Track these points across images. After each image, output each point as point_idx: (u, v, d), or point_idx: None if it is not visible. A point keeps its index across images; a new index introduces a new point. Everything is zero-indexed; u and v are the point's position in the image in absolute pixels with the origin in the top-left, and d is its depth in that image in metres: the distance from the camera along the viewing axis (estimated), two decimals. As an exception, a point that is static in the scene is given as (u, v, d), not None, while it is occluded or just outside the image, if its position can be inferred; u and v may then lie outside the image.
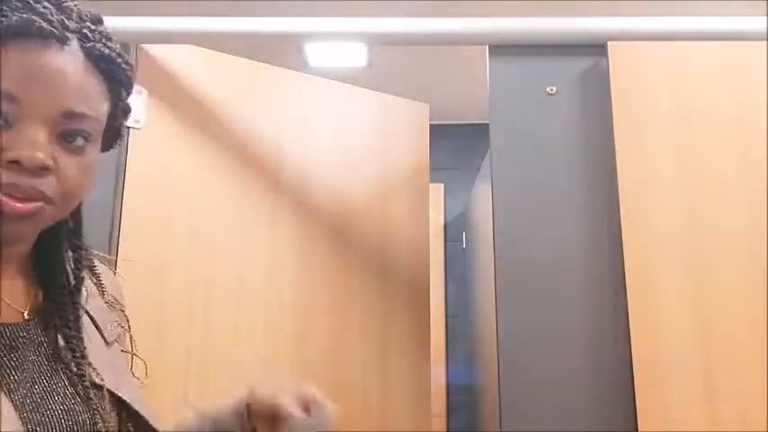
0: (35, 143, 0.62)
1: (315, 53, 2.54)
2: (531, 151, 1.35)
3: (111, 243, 1.30)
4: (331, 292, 1.58)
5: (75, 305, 0.76)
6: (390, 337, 1.62)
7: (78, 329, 0.75)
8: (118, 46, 0.72)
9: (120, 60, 0.71)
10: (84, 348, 0.74)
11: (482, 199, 2.05)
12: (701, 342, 1.20)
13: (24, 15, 0.63)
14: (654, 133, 1.30)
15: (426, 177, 1.77)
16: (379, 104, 1.76)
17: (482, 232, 2.07)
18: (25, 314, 0.72)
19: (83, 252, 0.78)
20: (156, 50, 1.46)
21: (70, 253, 0.78)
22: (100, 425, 0.71)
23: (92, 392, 0.72)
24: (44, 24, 0.64)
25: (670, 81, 1.33)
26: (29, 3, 0.65)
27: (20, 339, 0.69)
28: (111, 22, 1.48)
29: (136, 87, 1.41)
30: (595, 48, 1.37)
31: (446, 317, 2.99)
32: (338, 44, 2.35)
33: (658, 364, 1.19)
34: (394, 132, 1.75)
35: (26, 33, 0.63)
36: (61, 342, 0.73)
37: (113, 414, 0.74)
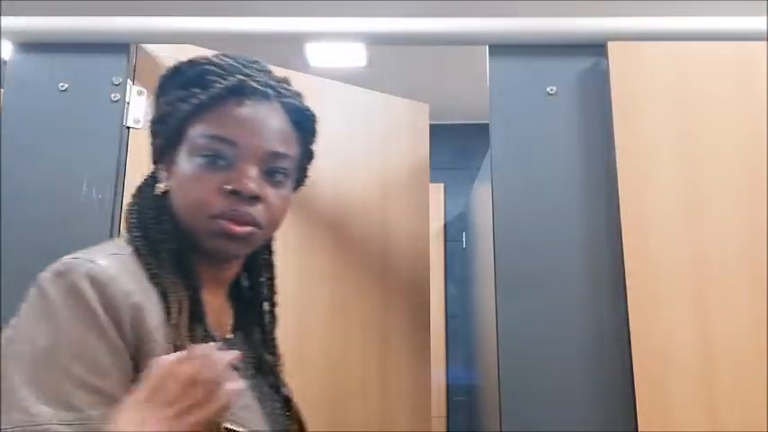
0: (249, 177, 0.78)
1: (315, 53, 2.55)
2: (531, 151, 1.35)
3: (111, 243, 1.30)
4: (331, 291, 1.58)
5: (274, 326, 0.94)
6: (390, 337, 1.62)
7: (276, 348, 0.93)
8: (304, 101, 0.88)
9: (308, 113, 0.87)
10: (282, 366, 0.93)
11: (482, 199, 2.05)
12: (701, 342, 1.20)
13: (241, 77, 0.80)
14: (654, 133, 1.30)
15: (426, 177, 1.77)
16: (378, 104, 1.76)
17: (482, 232, 2.07)
18: (229, 332, 0.86)
19: (275, 281, 0.95)
20: (156, 50, 1.46)
21: (265, 280, 0.94)
22: (294, 429, 0.88)
23: (287, 404, 0.89)
24: (255, 84, 0.81)
25: (670, 81, 1.32)
26: (241, 68, 0.81)
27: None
28: (112, 22, 1.48)
29: (136, 88, 1.42)
30: (595, 48, 1.37)
31: (446, 317, 2.98)
32: (338, 44, 2.35)
33: (658, 364, 1.19)
34: (394, 132, 1.75)
35: (242, 92, 0.80)
36: (268, 358, 0.90)
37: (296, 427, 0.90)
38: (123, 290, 0.70)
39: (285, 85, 0.86)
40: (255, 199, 0.78)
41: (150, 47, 1.45)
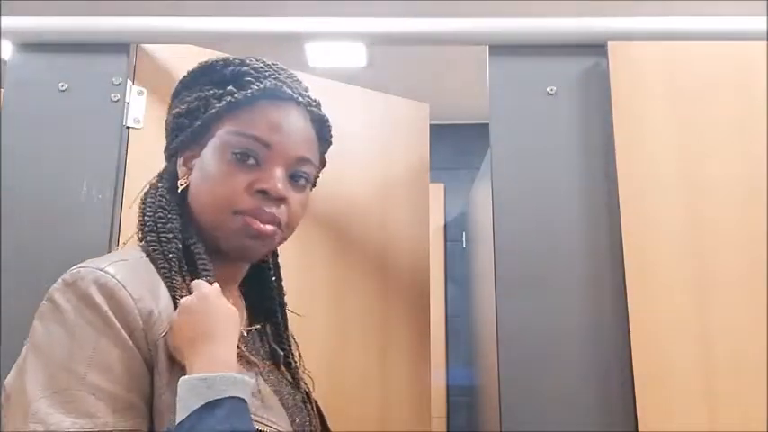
0: (278, 179, 0.80)
1: (315, 53, 2.55)
2: (531, 151, 1.35)
3: (111, 243, 1.30)
4: (331, 291, 1.58)
5: (286, 324, 0.96)
6: (390, 337, 1.62)
7: (291, 343, 0.95)
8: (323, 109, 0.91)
9: (328, 123, 0.92)
10: (298, 360, 0.95)
11: (482, 199, 2.05)
12: (701, 342, 1.20)
13: (276, 81, 0.84)
14: (654, 133, 1.30)
15: (426, 177, 1.77)
16: (378, 104, 1.75)
17: (482, 232, 2.07)
18: (243, 329, 0.85)
19: (282, 281, 0.99)
20: (156, 50, 1.46)
21: (274, 283, 0.98)
22: (315, 423, 0.90)
23: (306, 397, 0.91)
24: (288, 89, 0.84)
25: (670, 81, 1.32)
26: (275, 72, 0.85)
27: (249, 346, 0.84)
28: (112, 22, 1.48)
29: (136, 88, 1.42)
30: (595, 48, 1.37)
31: (446, 317, 2.98)
32: (338, 44, 2.34)
33: (658, 364, 1.19)
34: (394, 132, 1.75)
35: (275, 96, 0.83)
36: (283, 353, 0.91)
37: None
38: (131, 296, 0.71)
39: (310, 95, 0.89)
40: (281, 200, 0.80)
41: (150, 47, 1.45)
